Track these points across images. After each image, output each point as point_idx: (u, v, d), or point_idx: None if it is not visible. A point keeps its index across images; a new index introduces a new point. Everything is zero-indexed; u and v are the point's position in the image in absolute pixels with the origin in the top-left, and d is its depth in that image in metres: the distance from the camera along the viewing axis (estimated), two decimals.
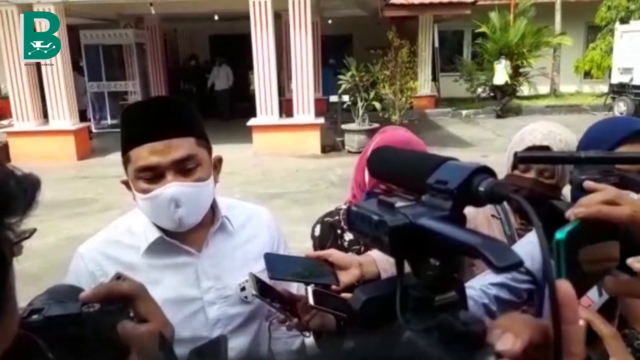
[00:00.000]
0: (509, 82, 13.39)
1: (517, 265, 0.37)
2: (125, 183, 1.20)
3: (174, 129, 1.12)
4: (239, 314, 1.25)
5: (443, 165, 0.46)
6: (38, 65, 9.63)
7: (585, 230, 0.67)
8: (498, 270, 0.36)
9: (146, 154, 1.10)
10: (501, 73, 13.35)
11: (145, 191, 1.13)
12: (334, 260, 1.18)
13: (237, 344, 1.25)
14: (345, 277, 1.16)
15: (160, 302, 1.15)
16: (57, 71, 9.53)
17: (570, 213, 0.68)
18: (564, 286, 0.39)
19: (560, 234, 0.65)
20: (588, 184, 0.77)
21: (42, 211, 0.47)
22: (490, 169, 0.45)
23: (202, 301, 1.22)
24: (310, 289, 1.13)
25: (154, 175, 1.12)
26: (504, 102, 13.45)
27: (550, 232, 0.66)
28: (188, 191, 1.13)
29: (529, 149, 1.46)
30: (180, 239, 1.21)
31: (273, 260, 1.16)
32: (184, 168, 1.13)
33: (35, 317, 0.61)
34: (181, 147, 1.12)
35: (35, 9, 9.02)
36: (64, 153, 9.57)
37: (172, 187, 1.11)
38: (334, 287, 1.15)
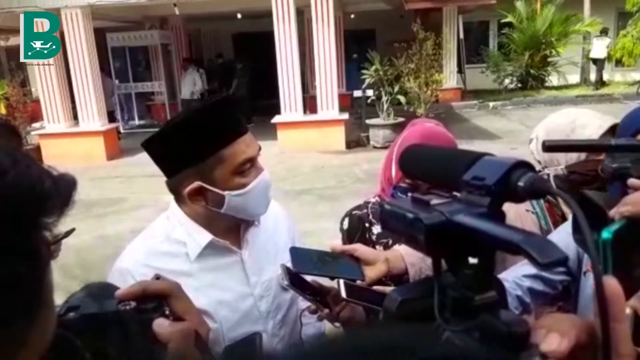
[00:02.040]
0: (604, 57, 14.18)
1: (561, 261, 0.35)
2: (192, 192, 1.14)
3: (244, 124, 1.20)
4: (284, 302, 1.29)
5: (479, 160, 0.45)
6: (67, 68, 9.87)
7: (632, 229, 0.64)
8: (542, 267, 0.35)
9: (244, 148, 1.15)
10: (601, 48, 14.00)
11: (244, 185, 1.15)
12: (360, 255, 1.17)
13: (284, 332, 1.30)
14: (371, 272, 1.15)
15: (218, 303, 1.18)
16: (86, 73, 9.74)
17: (615, 212, 0.66)
18: (611, 283, 0.38)
19: (606, 234, 0.62)
20: (633, 181, 0.74)
21: (76, 211, 0.47)
22: (529, 164, 0.43)
23: (253, 296, 1.25)
24: (342, 281, 1.12)
25: (250, 166, 1.17)
26: (601, 74, 14.29)
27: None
28: None
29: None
30: (224, 239, 1.23)
31: (298, 254, 1.16)
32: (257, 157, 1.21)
33: (71, 314, 0.62)
34: (254, 138, 1.20)
35: (62, 13, 9.22)
36: (94, 154, 9.78)
37: (266, 173, 1.19)
38: (359, 282, 1.15)
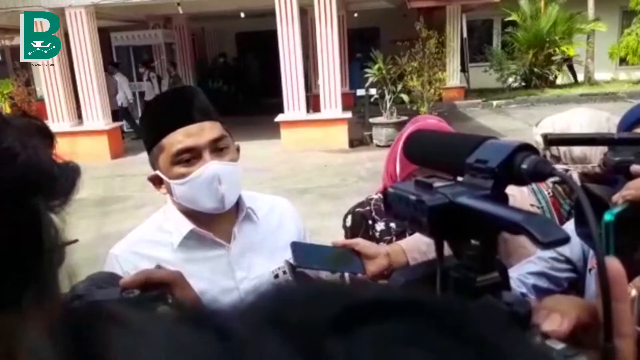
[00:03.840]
0: None
1: (563, 240, 0.35)
2: (153, 179, 1.22)
3: (203, 113, 1.18)
4: None
5: (483, 144, 0.45)
6: (71, 67, 9.90)
7: (634, 213, 0.64)
8: (543, 245, 0.35)
9: (182, 137, 1.14)
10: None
11: (183, 175, 1.15)
12: (361, 250, 1.17)
13: None
14: (372, 267, 1.15)
15: (198, 294, 1.18)
16: (90, 73, 9.78)
17: (618, 196, 0.67)
18: (613, 263, 0.38)
19: (608, 216, 0.63)
20: (635, 167, 0.74)
21: (79, 209, 0.48)
22: (532, 147, 0.43)
23: (239, 291, 1.23)
24: (346, 276, 1.13)
25: (191, 157, 1.15)
26: None
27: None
28: (226, 169, 1.17)
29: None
30: (210, 231, 1.23)
31: (299, 249, 1.16)
32: (217, 148, 1.18)
33: (76, 302, 0.63)
34: (213, 128, 1.18)
35: (67, 12, 9.26)
36: (98, 152, 9.80)
37: (213, 165, 1.15)
38: (360, 276, 1.15)
